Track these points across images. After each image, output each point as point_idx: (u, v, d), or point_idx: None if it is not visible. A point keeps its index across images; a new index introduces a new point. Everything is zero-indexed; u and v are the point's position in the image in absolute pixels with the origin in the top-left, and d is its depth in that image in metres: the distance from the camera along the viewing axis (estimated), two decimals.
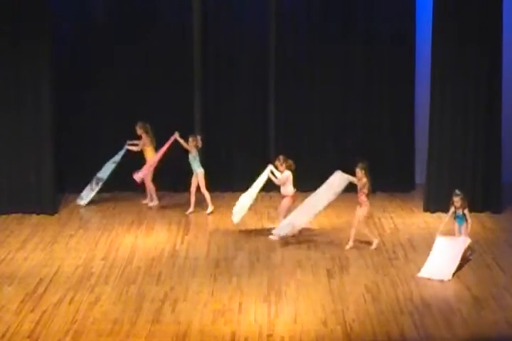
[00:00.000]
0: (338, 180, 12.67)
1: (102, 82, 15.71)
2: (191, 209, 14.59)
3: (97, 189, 14.97)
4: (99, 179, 15.00)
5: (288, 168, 13.20)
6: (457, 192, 12.01)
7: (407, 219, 14.14)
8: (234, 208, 13.39)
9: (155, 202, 15.12)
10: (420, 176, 15.89)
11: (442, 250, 11.67)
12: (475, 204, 14.39)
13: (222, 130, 15.96)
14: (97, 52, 15.67)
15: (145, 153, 14.96)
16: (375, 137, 15.97)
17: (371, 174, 15.52)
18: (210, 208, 14.58)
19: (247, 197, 13.37)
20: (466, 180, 14.39)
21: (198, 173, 14.46)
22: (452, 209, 12.00)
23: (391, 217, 14.31)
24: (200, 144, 14.43)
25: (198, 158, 14.43)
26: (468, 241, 11.76)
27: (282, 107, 16.00)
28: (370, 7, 15.63)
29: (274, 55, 15.87)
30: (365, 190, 12.51)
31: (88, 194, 15.07)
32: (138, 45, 15.66)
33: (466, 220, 11.91)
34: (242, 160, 16.02)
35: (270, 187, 15.95)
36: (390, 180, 15.88)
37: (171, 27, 15.66)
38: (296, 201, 13.29)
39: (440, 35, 14.18)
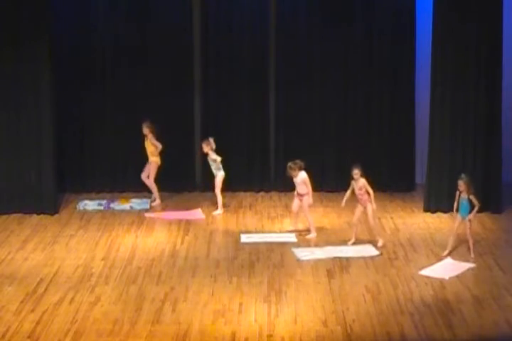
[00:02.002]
0: (366, 250, 12.62)
1: (102, 82, 15.70)
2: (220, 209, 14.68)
3: (101, 208, 14.89)
4: (109, 206, 14.92)
5: (300, 168, 13.17)
6: (462, 175, 12.21)
7: (407, 219, 14.14)
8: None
9: (157, 202, 15.14)
10: (420, 176, 15.90)
11: (447, 263, 11.87)
12: None
13: (222, 130, 15.93)
14: (97, 53, 15.65)
15: (148, 150, 14.99)
16: (375, 137, 15.96)
17: (371, 174, 15.64)
18: (220, 210, 14.57)
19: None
20: None
21: (218, 175, 14.50)
22: (457, 194, 12.14)
23: (391, 217, 14.31)
24: (214, 146, 14.44)
25: (218, 161, 14.43)
26: (472, 266, 11.81)
27: (282, 107, 15.98)
28: (370, 7, 15.61)
29: (274, 55, 15.87)
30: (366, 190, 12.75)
31: (93, 206, 14.93)
32: (138, 45, 15.65)
33: (473, 207, 12.06)
34: (242, 160, 16.02)
35: (270, 187, 16.03)
36: (390, 180, 15.89)
37: (171, 27, 15.65)
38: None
39: (440, 34, 14.17)
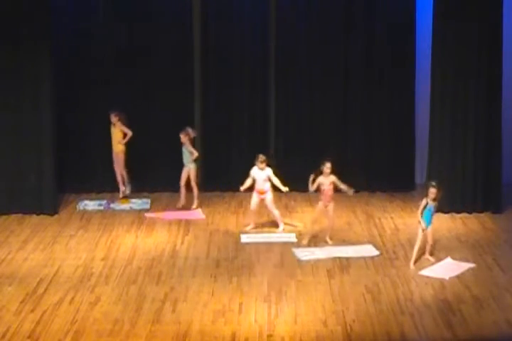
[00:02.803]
0: (366, 250, 12.58)
1: (101, 82, 15.70)
2: (182, 202, 14.68)
3: (101, 208, 14.89)
4: (109, 206, 14.93)
5: (267, 164, 13.27)
6: (433, 183, 11.80)
7: (407, 219, 14.13)
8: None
9: (128, 189, 15.18)
10: (420, 176, 15.90)
11: (447, 263, 11.85)
12: (475, 205, 14.44)
13: (222, 130, 15.95)
14: (97, 53, 15.65)
15: (115, 139, 15.06)
16: (375, 137, 15.96)
17: (371, 173, 15.74)
18: (196, 203, 14.61)
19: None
20: (466, 180, 14.40)
21: (191, 168, 14.49)
22: (424, 202, 11.74)
23: (391, 217, 14.31)
24: (192, 135, 14.44)
25: (195, 155, 14.41)
26: (472, 266, 11.79)
27: (282, 107, 15.99)
28: (370, 7, 15.61)
29: (274, 55, 15.87)
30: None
31: (93, 206, 14.94)
32: (138, 45, 15.65)
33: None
34: (242, 160, 16.00)
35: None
36: (390, 180, 15.89)
37: (171, 27, 15.65)
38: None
39: (440, 34, 14.17)
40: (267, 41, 15.83)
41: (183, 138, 14.44)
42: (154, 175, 15.60)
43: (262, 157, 13.28)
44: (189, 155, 14.49)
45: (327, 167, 12.49)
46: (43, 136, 14.27)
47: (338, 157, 15.88)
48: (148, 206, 14.91)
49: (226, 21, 15.72)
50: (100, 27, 15.61)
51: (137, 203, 14.97)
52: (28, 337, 9.43)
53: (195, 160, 14.57)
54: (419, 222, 11.76)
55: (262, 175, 13.29)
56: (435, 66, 14.32)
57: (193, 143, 14.71)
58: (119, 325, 9.75)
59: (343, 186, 12.59)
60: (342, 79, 15.85)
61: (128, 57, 15.67)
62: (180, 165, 15.73)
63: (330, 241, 12.74)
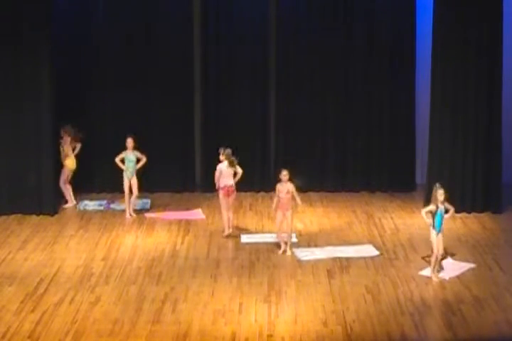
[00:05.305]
0: (366, 250, 12.53)
1: (102, 82, 15.70)
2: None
3: (101, 208, 14.88)
4: (109, 206, 14.92)
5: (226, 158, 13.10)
6: (438, 185, 11.40)
7: (408, 220, 14.14)
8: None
9: (70, 204, 15.02)
10: (420, 176, 15.91)
11: (447, 263, 11.77)
12: (475, 205, 14.44)
13: (222, 131, 15.94)
14: (97, 54, 15.65)
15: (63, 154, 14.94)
16: (376, 137, 15.96)
17: (372, 174, 15.65)
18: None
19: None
20: (466, 180, 14.40)
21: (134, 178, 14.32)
22: (433, 207, 11.22)
23: (391, 217, 14.31)
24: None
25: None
26: (472, 266, 11.76)
27: (282, 107, 15.98)
28: (371, 7, 15.61)
29: (275, 55, 15.86)
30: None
31: (93, 206, 14.93)
32: (138, 45, 15.65)
33: (446, 212, 11.29)
34: (242, 160, 15.96)
35: (270, 187, 16.00)
36: (390, 180, 15.89)
37: (171, 27, 15.64)
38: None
39: (440, 35, 14.17)
40: (267, 43, 15.81)
41: (132, 142, 14.13)
42: (154, 175, 15.59)
43: (231, 155, 13.04)
44: (134, 164, 14.19)
45: (283, 174, 12.18)
46: (43, 137, 14.27)
47: (339, 157, 16.03)
48: (148, 206, 14.91)
49: (227, 22, 15.70)
50: (100, 27, 15.60)
51: (137, 203, 14.96)
52: (28, 337, 9.43)
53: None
54: (430, 225, 11.25)
55: (229, 169, 13.06)
56: (435, 66, 14.32)
57: None
58: (119, 325, 9.75)
59: (297, 198, 12.25)
60: (342, 80, 15.85)
61: (128, 57, 15.66)
62: (180, 166, 15.77)
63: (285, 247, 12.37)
